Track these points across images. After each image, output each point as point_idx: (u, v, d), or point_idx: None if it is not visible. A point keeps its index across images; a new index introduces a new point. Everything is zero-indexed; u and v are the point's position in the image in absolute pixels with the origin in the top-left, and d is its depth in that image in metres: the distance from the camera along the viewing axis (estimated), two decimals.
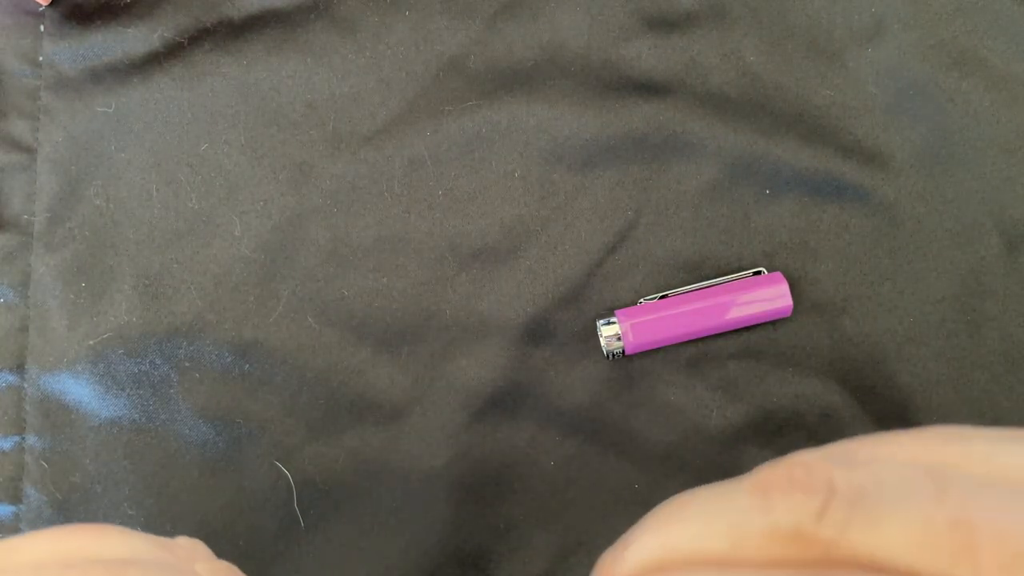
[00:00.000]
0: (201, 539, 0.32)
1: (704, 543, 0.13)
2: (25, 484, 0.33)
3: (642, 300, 0.32)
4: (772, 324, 0.32)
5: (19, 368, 0.33)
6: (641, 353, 0.32)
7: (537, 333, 0.33)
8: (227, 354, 0.33)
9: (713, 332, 0.32)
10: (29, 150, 0.33)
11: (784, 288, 0.31)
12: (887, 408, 0.32)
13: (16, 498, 0.33)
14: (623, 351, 0.31)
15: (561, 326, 0.33)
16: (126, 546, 0.18)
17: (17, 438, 0.33)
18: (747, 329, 0.32)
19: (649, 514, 0.15)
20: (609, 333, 0.31)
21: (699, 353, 0.32)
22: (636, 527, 0.15)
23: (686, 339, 0.32)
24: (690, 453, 0.32)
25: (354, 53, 0.33)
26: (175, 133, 0.33)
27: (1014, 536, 0.11)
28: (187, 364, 0.33)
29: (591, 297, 0.33)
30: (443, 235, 0.33)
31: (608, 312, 0.32)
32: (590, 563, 0.32)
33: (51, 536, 0.18)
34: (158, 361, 0.33)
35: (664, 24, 0.33)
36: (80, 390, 0.33)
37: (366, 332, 0.33)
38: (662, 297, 0.32)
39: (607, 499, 0.32)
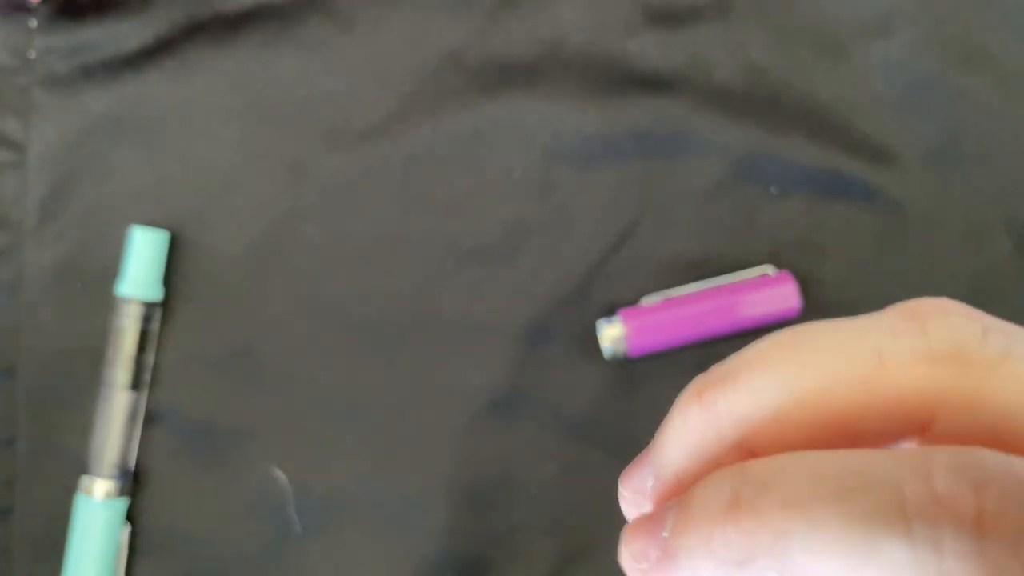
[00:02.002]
0: (197, 543, 0.32)
1: (844, 364, 0.12)
2: (17, 487, 0.33)
3: (645, 301, 0.32)
4: (779, 325, 0.32)
5: (11, 369, 0.33)
6: (644, 355, 0.32)
7: (537, 334, 0.32)
8: (221, 355, 0.33)
9: (719, 334, 0.31)
10: (20, 147, 0.33)
11: (792, 288, 0.31)
12: None
13: (8, 501, 0.33)
14: (626, 353, 0.31)
15: (562, 327, 0.32)
16: None
17: (9, 440, 0.33)
18: (754, 330, 0.32)
19: (765, 340, 0.13)
20: (612, 334, 0.31)
21: (704, 355, 0.32)
22: (746, 352, 0.13)
23: (691, 341, 0.31)
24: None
25: (351, 48, 0.33)
26: (168, 130, 0.33)
27: None
28: (181, 365, 0.33)
29: (593, 297, 0.32)
30: (442, 234, 0.33)
31: (610, 313, 0.32)
32: (592, 569, 0.32)
33: None
34: (152, 362, 0.33)
35: (668, 18, 0.33)
36: (72, 391, 0.33)
37: (363, 332, 0.33)
38: (666, 298, 0.32)
39: (609, 504, 0.32)
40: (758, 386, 0.12)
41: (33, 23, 0.33)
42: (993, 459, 0.10)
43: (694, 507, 0.12)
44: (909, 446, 0.12)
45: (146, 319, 0.32)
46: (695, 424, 0.13)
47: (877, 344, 0.12)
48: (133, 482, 0.32)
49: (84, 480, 0.31)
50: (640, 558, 0.12)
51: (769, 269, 0.32)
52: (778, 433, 0.12)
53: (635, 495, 0.14)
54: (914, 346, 0.12)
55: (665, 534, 0.12)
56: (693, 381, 0.13)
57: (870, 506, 0.10)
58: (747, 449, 0.12)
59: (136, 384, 0.32)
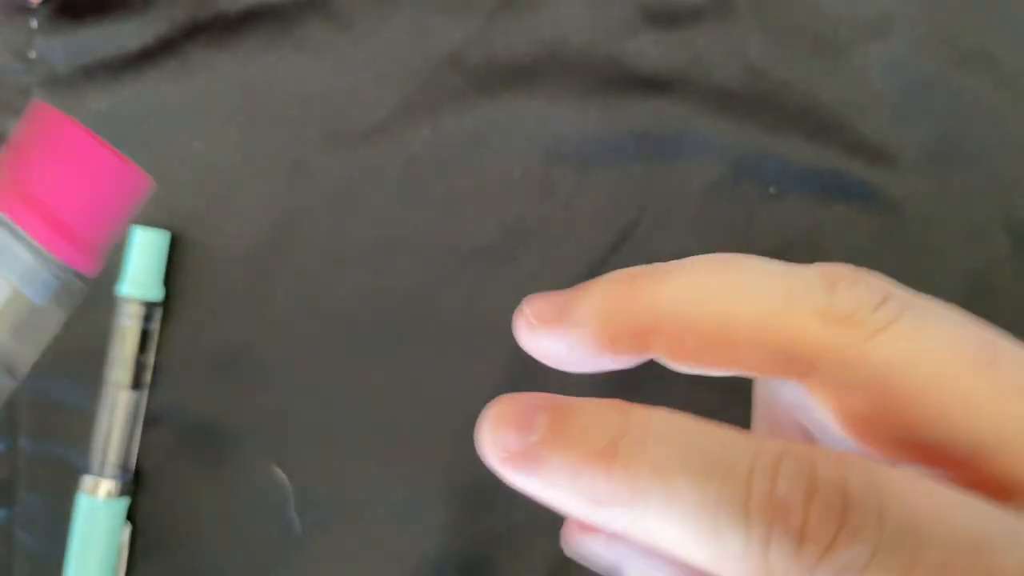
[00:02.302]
0: (197, 543, 0.32)
1: (756, 304, 0.14)
2: (19, 487, 0.33)
3: None
4: None
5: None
6: None
7: None
8: (222, 355, 0.33)
9: None
10: None
11: None
12: None
13: (9, 501, 0.33)
14: None
15: None
16: None
17: (10, 441, 0.33)
18: None
19: (704, 256, 0.15)
20: None
21: None
22: (684, 260, 0.15)
23: None
24: None
25: (351, 48, 0.33)
26: (168, 130, 0.33)
27: None
28: (182, 365, 0.33)
29: None
30: (442, 234, 0.33)
31: None
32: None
33: None
34: (152, 362, 0.33)
35: (667, 19, 0.33)
36: (75, 392, 0.33)
37: (363, 332, 0.33)
38: None
39: None
40: (681, 290, 0.14)
41: (34, 23, 0.33)
42: (828, 470, 0.11)
43: (571, 435, 0.13)
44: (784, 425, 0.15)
45: (147, 319, 0.32)
46: (617, 297, 0.15)
47: (790, 291, 0.14)
48: (134, 482, 0.32)
49: (85, 480, 0.32)
50: (500, 446, 0.14)
51: None
52: (680, 333, 0.14)
53: (534, 316, 0.16)
54: (817, 301, 0.13)
55: (533, 438, 0.13)
56: (629, 268, 0.15)
57: (723, 494, 0.11)
58: (647, 334, 0.14)
59: (137, 384, 0.32)
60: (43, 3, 0.33)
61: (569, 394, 0.33)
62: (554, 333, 0.16)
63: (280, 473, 0.33)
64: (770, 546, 0.11)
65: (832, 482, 0.11)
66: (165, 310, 0.33)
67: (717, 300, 0.14)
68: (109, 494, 0.31)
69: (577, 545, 0.14)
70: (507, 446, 0.14)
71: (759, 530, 0.11)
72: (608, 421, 0.13)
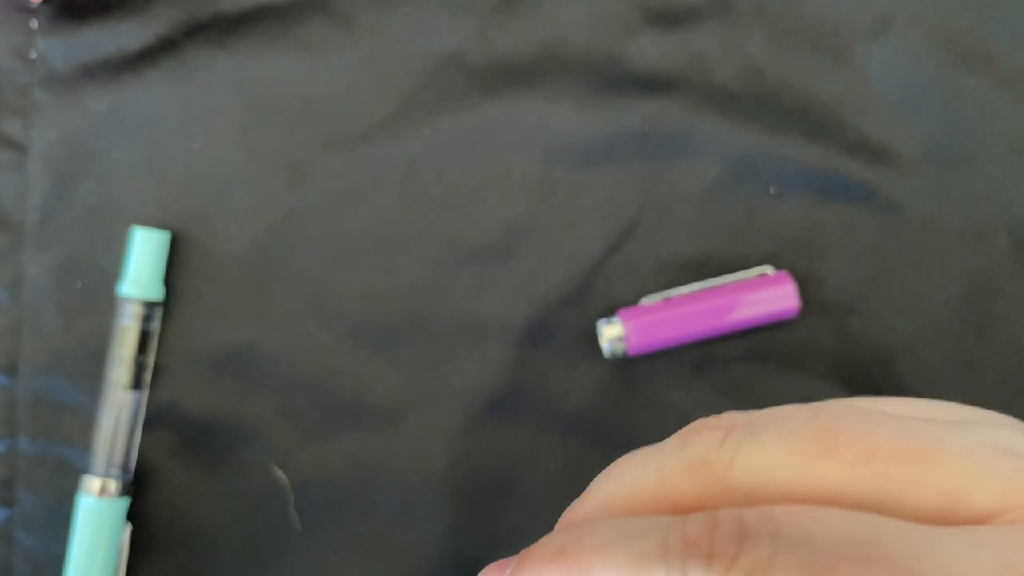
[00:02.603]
0: (197, 542, 0.33)
1: (638, 483, 0.16)
2: (18, 487, 0.33)
3: (645, 300, 0.32)
4: (778, 325, 0.32)
5: (11, 369, 0.33)
6: (644, 355, 0.32)
7: (537, 334, 0.32)
8: (222, 355, 0.33)
9: (718, 333, 0.31)
10: (20, 148, 0.33)
11: (790, 288, 0.31)
12: None
13: (9, 501, 0.33)
14: (625, 352, 0.31)
15: (562, 327, 0.32)
16: None
17: (10, 441, 0.33)
18: (752, 330, 0.32)
19: (601, 474, 0.18)
20: (611, 334, 0.31)
21: (703, 355, 0.32)
22: (592, 485, 0.18)
23: (690, 340, 0.31)
24: None
25: (351, 49, 0.33)
26: (169, 130, 0.33)
27: (871, 436, 0.14)
28: (182, 365, 0.33)
29: (592, 297, 0.32)
30: (442, 234, 0.33)
31: (610, 312, 0.32)
32: None
33: None
34: (152, 362, 0.33)
35: (667, 19, 0.33)
36: (74, 392, 0.33)
37: (363, 333, 0.33)
38: (666, 298, 0.32)
39: None
40: (593, 500, 0.17)
41: (34, 23, 0.33)
42: (726, 512, 0.14)
43: (532, 553, 0.16)
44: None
45: (147, 319, 0.32)
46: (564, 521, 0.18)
47: (660, 463, 0.16)
48: (134, 481, 0.32)
49: (85, 479, 0.32)
50: None
51: (768, 269, 0.32)
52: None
53: None
54: (679, 460, 0.16)
55: (508, 571, 0.16)
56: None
57: (646, 546, 0.14)
58: None
59: (137, 383, 0.32)
60: (43, 3, 0.33)
61: (569, 393, 0.33)
62: None
63: (280, 473, 0.33)
64: (687, 570, 0.13)
65: (731, 516, 0.14)
66: (165, 310, 0.33)
67: (616, 495, 0.17)
68: (109, 494, 0.31)
69: None
70: None
71: (676, 560, 0.14)
72: (555, 537, 0.16)
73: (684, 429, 0.16)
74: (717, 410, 0.33)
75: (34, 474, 0.33)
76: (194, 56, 0.33)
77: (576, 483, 0.32)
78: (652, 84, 0.33)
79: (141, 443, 0.33)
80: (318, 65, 0.33)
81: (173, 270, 0.33)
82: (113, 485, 0.31)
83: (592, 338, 0.32)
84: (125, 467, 0.32)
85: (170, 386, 0.33)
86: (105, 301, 0.33)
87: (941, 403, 0.16)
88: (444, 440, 0.32)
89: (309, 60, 0.33)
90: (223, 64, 0.33)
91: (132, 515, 0.32)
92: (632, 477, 0.17)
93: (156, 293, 0.32)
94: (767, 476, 0.15)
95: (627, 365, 0.32)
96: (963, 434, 0.14)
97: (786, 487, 0.14)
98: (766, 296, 0.31)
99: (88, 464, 0.32)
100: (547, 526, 0.34)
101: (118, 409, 0.32)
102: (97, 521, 0.31)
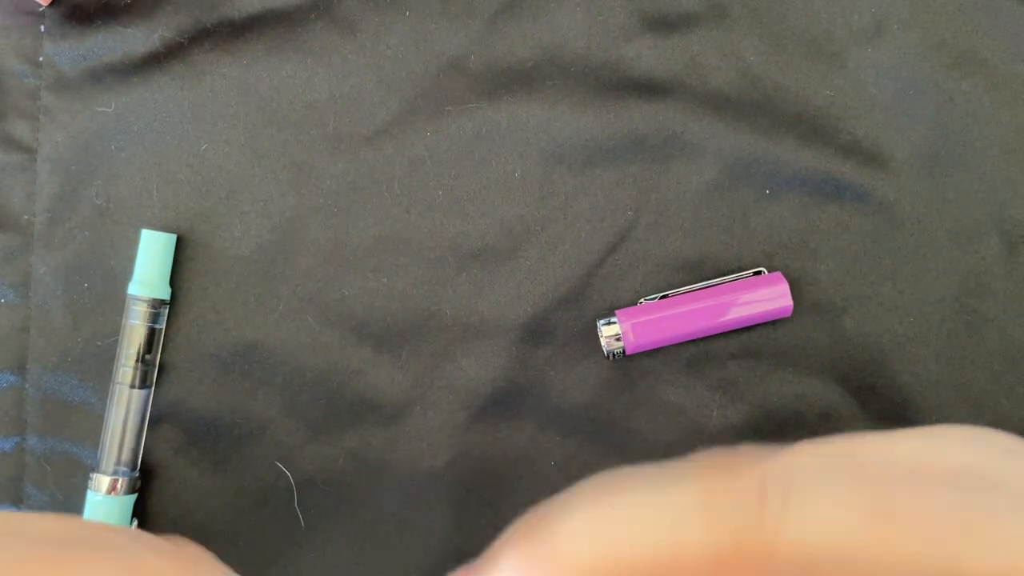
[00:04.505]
0: (201, 539, 0.33)
1: (644, 550, 0.14)
2: (26, 484, 0.33)
3: (642, 300, 0.32)
4: (772, 324, 0.32)
5: (20, 368, 0.33)
6: (641, 353, 0.32)
7: (537, 333, 0.33)
8: (227, 354, 0.33)
9: (713, 332, 0.32)
10: (29, 150, 0.33)
11: (784, 288, 0.31)
12: (887, 408, 0.32)
13: (17, 499, 0.33)
14: (623, 351, 0.32)
15: (561, 326, 0.33)
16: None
17: (18, 438, 0.33)
18: (747, 329, 0.32)
19: (578, 488, 0.15)
20: (609, 333, 0.31)
21: (699, 353, 0.32)
22: (561, 501, 0.15)
23: (686, 339, 0.32)
24: (690, 453, 0.32)
25: (354, 53, 0.33)
26: (175, 133, 0.33)
27: (926, 507, 0.13)
28: (187, 364, 0.33)
29: (591, 297, 0.33)
30: (443, 235, 0.33)
31: (608, 312, 0.33)
32: None
33: None
34: (159, 361, 0.33)
35: (664, 24, 0.33)
36: (81, 390, 0.33)
37: (366, 332, 0.33)
38: (662, 297, 0.32)
39: None
40: (577, 531, 0.14)
41: (42, 28, 0.33)
42: None
43: None
44: None
45: (154, 318, 0.32)
46: (533, 552, 0.15)
47: (674, 528, 0.14)
48: (140, 479, 0.33)
49: (93, 477, 0.32)
50: None
51: (763, 270, 0.32)
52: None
53: None
54: (703, 517, 0.14)
55: None
56: (520, 521, 0.15)
57: None
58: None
59: (144, 382, 0.32)
60: (51, 7, 0.33)
61: (569, 391, 0.33)
62: None
63: (284, 471, 0.33)
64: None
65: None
66: (171, 310, 0.33)
67: (612, 545, 0.14)
68: (116, 491, 0.32)
69: None
70: None
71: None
72: None
73: (693, 463, 0.14)
74: (713, 407, 0.33)
75: (42, 471, 0.33)
76: (200, 61, 0.33)
77: (575, 479, 0.32)
78: (649, 88, 0.33)
79: (147, 440, 0.33)
80: (322, 69, 0.33)
81: (179, 270, 0.33)
82: (120, 482, 0.32)
83: (591, 337, 0.33)
84: (132, 464, 0.32)
85: (176, 384, 0.33)
86: (113, 301, 0.33)
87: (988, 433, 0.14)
88: (445, 437, 0.33)
89: (313, 64, 0.33)
90: (229, 68, 0.33)
91: (138, 512, 0.33)
92: (633, 540, 0.14)
93: (163, 293, 0.32)
94: (824, 545, 0.13)
95: (625, 363, 0.33)
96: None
97: (846, 558, 0.13)
98: (761, 296, 0.31)
99: (96, 462, 0.32)
100: None
101: (125, 407, 0.32)
102: (104, 518, 0.31)
